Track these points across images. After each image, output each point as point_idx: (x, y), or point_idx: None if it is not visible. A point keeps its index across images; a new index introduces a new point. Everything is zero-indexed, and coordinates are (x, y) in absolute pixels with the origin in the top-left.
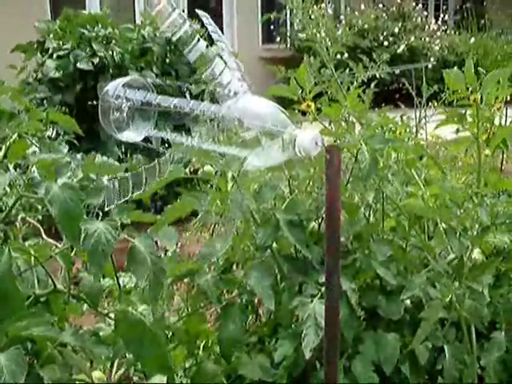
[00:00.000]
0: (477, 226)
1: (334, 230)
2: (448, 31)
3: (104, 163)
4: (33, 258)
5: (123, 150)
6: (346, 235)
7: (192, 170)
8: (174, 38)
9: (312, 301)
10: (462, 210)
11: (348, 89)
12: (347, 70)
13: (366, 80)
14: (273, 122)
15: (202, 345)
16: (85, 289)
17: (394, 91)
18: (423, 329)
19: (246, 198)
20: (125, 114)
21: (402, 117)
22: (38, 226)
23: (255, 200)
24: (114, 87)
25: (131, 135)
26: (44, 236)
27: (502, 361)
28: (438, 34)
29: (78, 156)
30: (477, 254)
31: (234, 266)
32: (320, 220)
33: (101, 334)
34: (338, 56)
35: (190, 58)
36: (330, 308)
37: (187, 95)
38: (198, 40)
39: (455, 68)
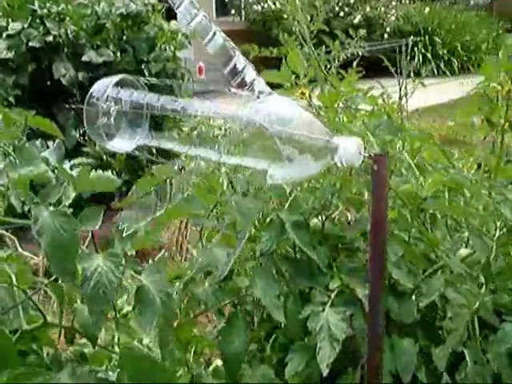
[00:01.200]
0: (498, 223)
1: (379, 250)
2: (403, 1)
3: (100, 177)
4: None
5: (81, 133)
6: (353, 233)
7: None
8: (189, 29)
9: (324, 309)
10: (478, 206)
11: (328, 68)
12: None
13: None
14: (307, 128)
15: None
16: (80, 321)
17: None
18: (451, 341)
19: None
20: (113, 119)
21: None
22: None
23: (255, 200)
24: (101, 87)
25: (122, 144)
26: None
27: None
28: (394, 3)
29: (37, 142)
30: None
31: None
32: (324, 217)
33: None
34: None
35: (209, 49)
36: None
37: (145, 73)
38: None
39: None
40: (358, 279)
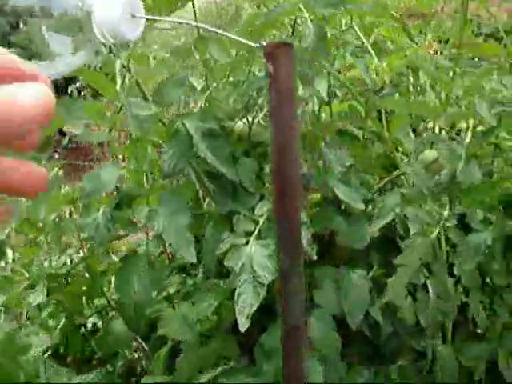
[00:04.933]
0: (471, 123)
1: (286, 198)
2: None
3: None
4: None
5: None
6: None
7: None
8: None
9: (247, 242)
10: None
11: None
12: None
13: None
14: None
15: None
16: None
17: None
18: (400, 278)
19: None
20: None
21: None
22: None
23: (155, 102)
24: None
25: None
26: None
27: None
28: None
29: None
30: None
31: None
32: (250, 120)
33: None
34: None
35: None
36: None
37: None
38: None
39: None
40: None
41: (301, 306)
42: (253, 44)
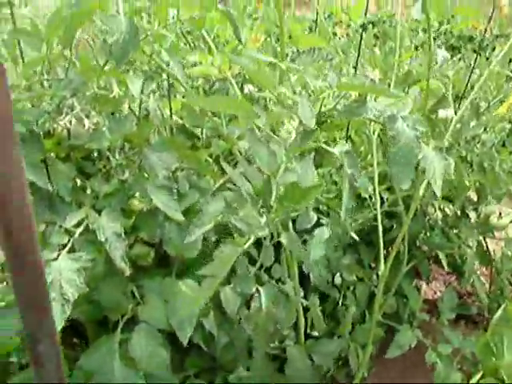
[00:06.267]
0: (296, 122)
1: None
2: None
3: None
4: None
5: None
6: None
7: None
8: None
9: (58, 256)
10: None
11: None
12: None
13: None
14: None
15: None
16: None
17: None
18: (205, 290)
19: None
20: None
21: None
22: None
23: None
24: None
25: None
26: None
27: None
28: None
29: None
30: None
31: None
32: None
33: None
34: None
35: None
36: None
37: None
38: None
39: None
40: (107, 214)
41: (55, 370)
42: None
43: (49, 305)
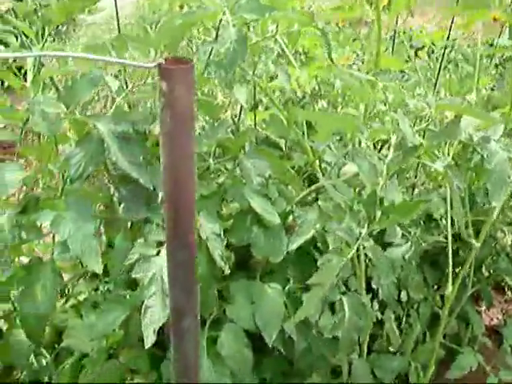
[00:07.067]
0: (393, 139)
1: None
2: None
3: None
4: None
5: None
6: (205, 149)
7: None
8: None
9: (158, 252)
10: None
11: None
12: None
13: None
14: None
15: None
16: None
17: None
18: (312, 297)
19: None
20: None
21: None
22: None
23: (64, 100)
24: None
25: None
26: None
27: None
28: None
29: None
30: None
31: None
32: None
33: None
34: None
35: None
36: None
37: None
38: None
39: None
40: (206, 213)
41: (194, 346)
42: (148, 65)
43: (196, 284)
